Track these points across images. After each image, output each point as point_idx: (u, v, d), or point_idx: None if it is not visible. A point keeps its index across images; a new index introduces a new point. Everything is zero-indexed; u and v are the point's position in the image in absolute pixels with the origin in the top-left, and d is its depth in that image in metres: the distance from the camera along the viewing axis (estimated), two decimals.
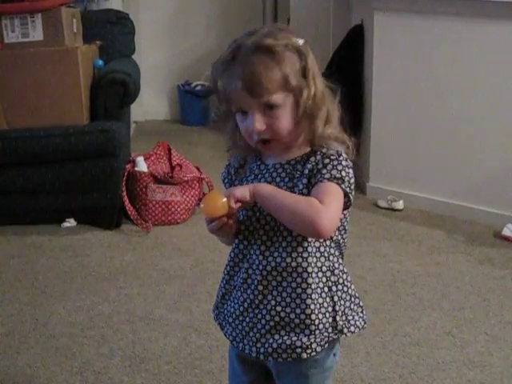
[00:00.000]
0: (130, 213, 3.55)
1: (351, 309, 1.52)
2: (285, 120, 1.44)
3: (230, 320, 1.54)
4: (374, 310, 2.74)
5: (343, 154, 1.45)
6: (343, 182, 1.42)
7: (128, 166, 3.66)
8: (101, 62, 3.86)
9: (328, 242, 1.49)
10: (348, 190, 1.43)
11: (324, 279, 1.48)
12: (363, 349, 2.48)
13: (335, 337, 1.49)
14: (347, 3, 4.51)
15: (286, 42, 1.43)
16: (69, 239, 3.44)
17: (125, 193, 3.56)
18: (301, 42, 1.47)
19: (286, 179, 1.48)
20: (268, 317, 1.47)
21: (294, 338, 1.46)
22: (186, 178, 3.69)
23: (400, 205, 3.81)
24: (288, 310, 1.45)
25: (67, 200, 3.56)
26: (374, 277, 3.04)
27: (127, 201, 3.57)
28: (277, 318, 1.46)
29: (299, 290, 1.45)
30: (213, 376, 2.33)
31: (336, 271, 1.49)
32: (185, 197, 3.67)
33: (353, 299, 1.53)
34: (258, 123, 1.43)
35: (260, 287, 1.47)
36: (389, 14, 3.81)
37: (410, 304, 2.81)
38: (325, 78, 1.52)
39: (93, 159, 3.48)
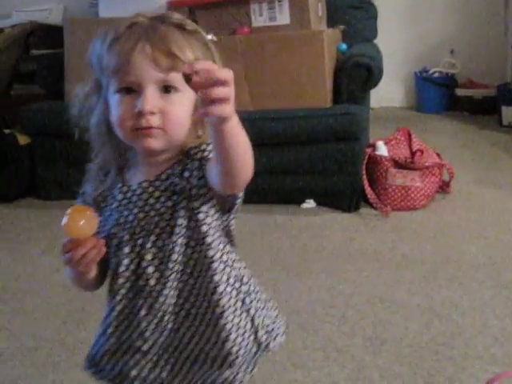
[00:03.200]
0: (369, 196, 3.55)
1: (270, 317, 1.40)
2: (182, 109, 1.23)
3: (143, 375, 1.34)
4: None
5: None
6: None
7: (368, 150, 3.66)
8: (344, 46, 3.89)
9: (227, 247, 1.32)
10: None
11: (234, 292, 1.31)
12: None
13: (262, 354, 1.37)
14: None
15: (194, 28, 1.25)
16: (309, 220, 3.50)
17: (365, 176, 3.57)
18: (209, 36, 1.30)
19: (163, 198, 1.25)
20: (185, 355, 1.32)
21: (219, 374, 1.32)
22: (426, 164, 3.62)
23: None
24: (207, 346, 1.31)
25: (308, 181, 3.62)
26: None
27: (367, 184, 3.57)
28: (193, 357, 1.32)
29: (214, 317, 1.29)
30: (454, 362, 2.26)
31: (244, 278, 1.34)
32: (425, 183, 3.61)
33: (266, 304, 1.40)
34: (152, 103, 1.19)
35: (171, 326, 1.30)
36: None
37: None
38: None
39: (334, 142, 3.51)
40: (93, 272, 1.28)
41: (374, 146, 3.71)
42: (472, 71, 5.84)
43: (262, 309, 1.37)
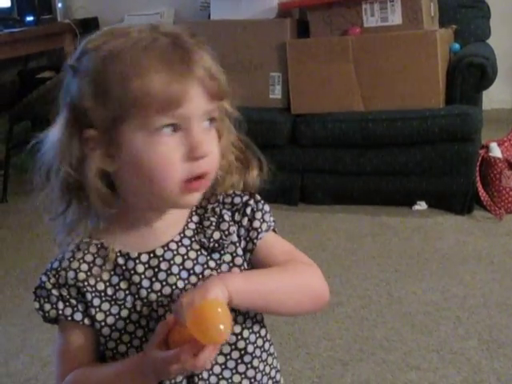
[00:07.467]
0: (483, 199, 3.48)
1: None
2: (218, 145, 1.01)
3: None
4: None
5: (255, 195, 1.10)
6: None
7: (481, 152, 3.59)
8: (457, 46, 3.83)
9: None
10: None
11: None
12: None
13: None
14: None
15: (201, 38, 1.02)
16: (420, 222, 3.46)
17: (478, 178, 3.50)
18: None
19: (201, 259, 1.03)
20: None
21: None
22: None
23: None
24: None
25: (419, 183, 3.57)
26: None
27: (480, 186, 3.50)
28: None
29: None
30: None
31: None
32: None
33: None
34: (208, 141, 0.96)
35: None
36: None
37: None
38: None
39: (447, 143, 3.45)
40: None
41: (487, 148, 3.64)
42: None
43: None
